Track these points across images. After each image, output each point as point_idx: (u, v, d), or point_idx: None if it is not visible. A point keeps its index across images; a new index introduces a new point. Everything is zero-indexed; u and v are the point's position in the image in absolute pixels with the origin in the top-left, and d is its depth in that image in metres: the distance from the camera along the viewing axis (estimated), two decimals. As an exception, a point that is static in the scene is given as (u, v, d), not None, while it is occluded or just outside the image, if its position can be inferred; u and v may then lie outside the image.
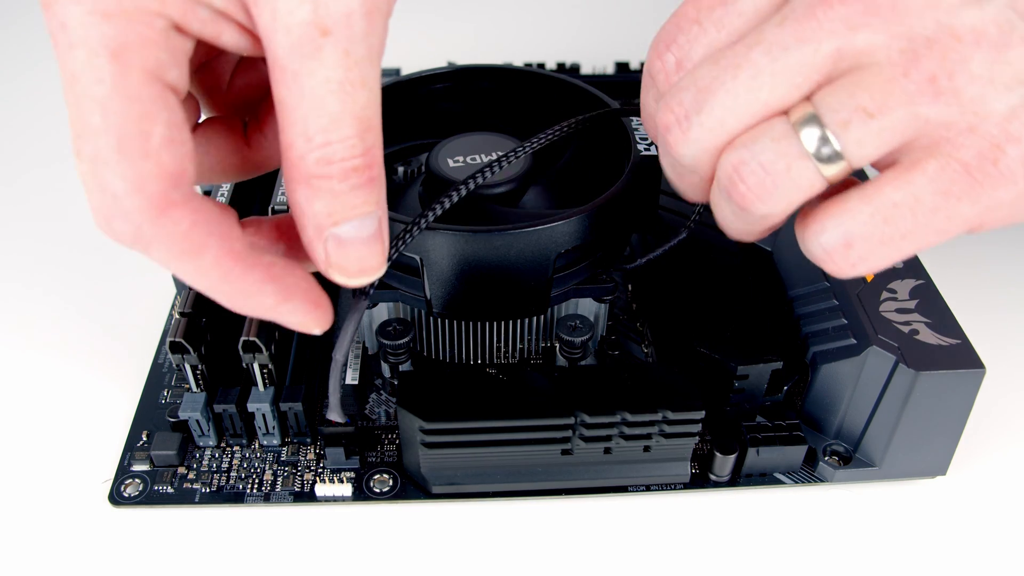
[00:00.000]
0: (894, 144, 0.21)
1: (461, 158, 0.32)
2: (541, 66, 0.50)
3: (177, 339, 0.29)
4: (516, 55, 0.54)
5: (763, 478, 0.31)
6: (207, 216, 0.22)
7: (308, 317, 0.24)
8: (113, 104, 0.20)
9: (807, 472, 0.31)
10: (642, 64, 0.51)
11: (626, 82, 0.50)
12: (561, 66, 0.51)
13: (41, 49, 0.58)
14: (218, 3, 0.21)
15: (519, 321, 0.33)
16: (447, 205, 0.27)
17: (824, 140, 0.21)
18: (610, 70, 0.51)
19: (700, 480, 0.31)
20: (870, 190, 0.22)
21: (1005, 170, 0.21)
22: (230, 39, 0.22)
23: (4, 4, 0.64)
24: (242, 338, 0.29)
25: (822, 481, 0.31)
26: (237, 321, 0.30)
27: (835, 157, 0.21)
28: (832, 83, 0.21)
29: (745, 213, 0.23)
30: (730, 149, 0.22)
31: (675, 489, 0.31)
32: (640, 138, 0.33)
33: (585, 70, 0.52)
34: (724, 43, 0.23)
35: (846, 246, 0.22)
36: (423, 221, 0.27)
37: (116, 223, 0.21)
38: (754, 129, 0.22)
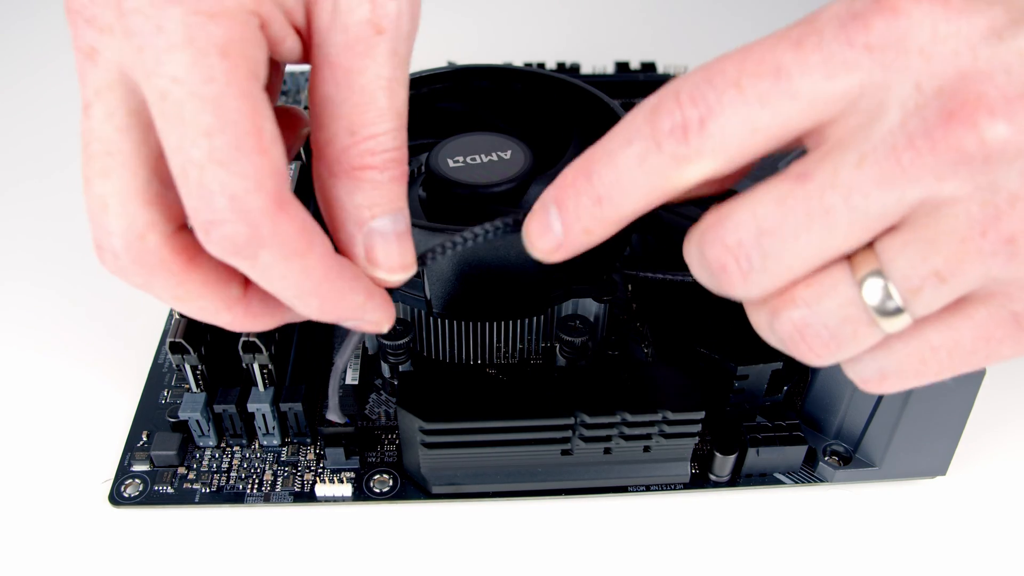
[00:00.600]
0: (964, 294, 0.20)
1: (461, 158, 0.32)
2: (541, 66, 0.50)
3: (177, 339, 0.29)
4: (516, 55, 0.54)
5: (763, 478, 0.31)
6: (307, 213, 0.22)
7: (386, 314, 0.25)
8: (227, 102, 0.20)
9: (807, 472, 0.31)
10: (642, 64, 0.51)
11: (626, 82, 0.50)
12: (561, 66, 0.51)
13: (43, 51, 0.57)
14: (289, 3, 0.22)
15: (519, 321, 0.33)
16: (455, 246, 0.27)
17: (889, 297, 0.20)
18: (610, 70, 0.51)
19: (700, 480, 0.31)
20: (912, 329, 0.21)
21: None
22: (289, 46, 0.23)
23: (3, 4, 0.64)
24: (242, 338, 0.29)
25: (822, 481, 0.31)
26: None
27: (899, 312, 0.20)
28: (902, 234, 0.20)
29: (800, 358, 0.22)
30: (791, 305, 0.21)
31: (675, 489, 0.31)
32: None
33: (585, 70, 0.51)
34: (766, 124, 0.20)
35: (881, 379, 0.22)
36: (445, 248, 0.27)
37: (230, 227, 0.20)
38: (817, 284, 0.21)
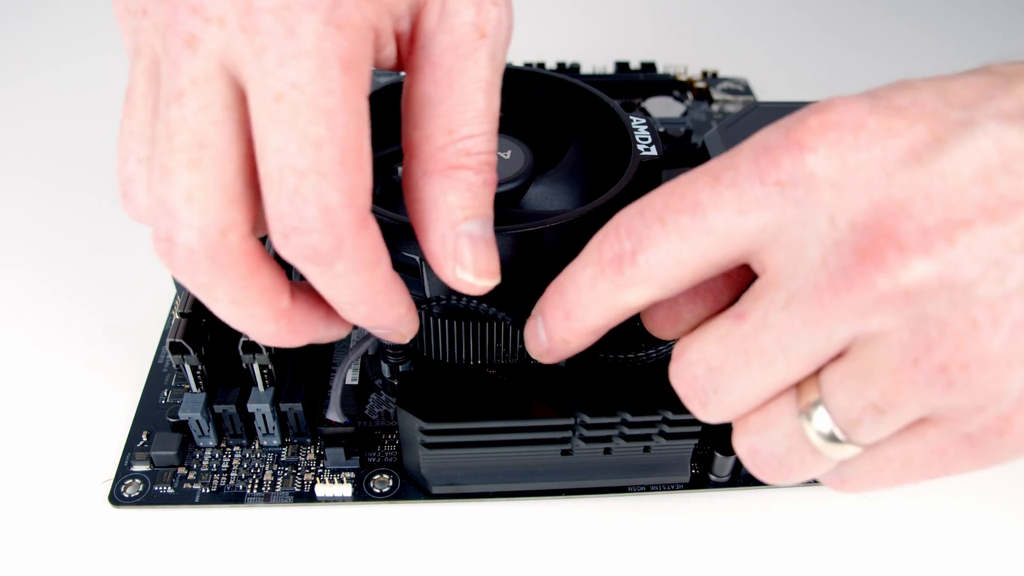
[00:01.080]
0: (908, 423, 0.20)
1: (461, 158, 0.32)
2: (541, 66, 0.50)
3: (177, 340, 0.29)
4: (516, 55, 0.54)
5: (763, 478, 0.31)
6: (379, 229, 0.22)
7: (415, 326, 0.26)
8: (340, 116, 0.20)
9: (807, 472, 0.31)
10: (642, 64, 0.52)
11: (626, 82, 0.50)
12: (561, 65, 0.51)
13: (46, 49, 0.57)
14: (399, 10, 0.22)
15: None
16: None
17: (834, 431, 0.21)
18: (610, 69, 0.52)
19: (700, 481, 0.31)
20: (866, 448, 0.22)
21: (1010, 439, 0.20)
22: (387, 54, 0.23)
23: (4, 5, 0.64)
24: (242, 339, 0.29)
25: (819, 482, 0.31)
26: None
27: (847, 443, 0.21)
28: (841, 365, 0.20)
29: (759, 478, 0.23)
30: (743, 431, 0.22)
31: (675, 490, 0.31)
32: (640, 139, 0.33)
33: (585, 70, 0.52)
34: (687, 256, 0.21)
35: (841, 482, 0.23)
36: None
37: (316, 236, 0.21)
38: (766, 413, 0.22)
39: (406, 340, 0.26)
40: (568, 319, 0.24)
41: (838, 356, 0.20)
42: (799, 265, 0.20)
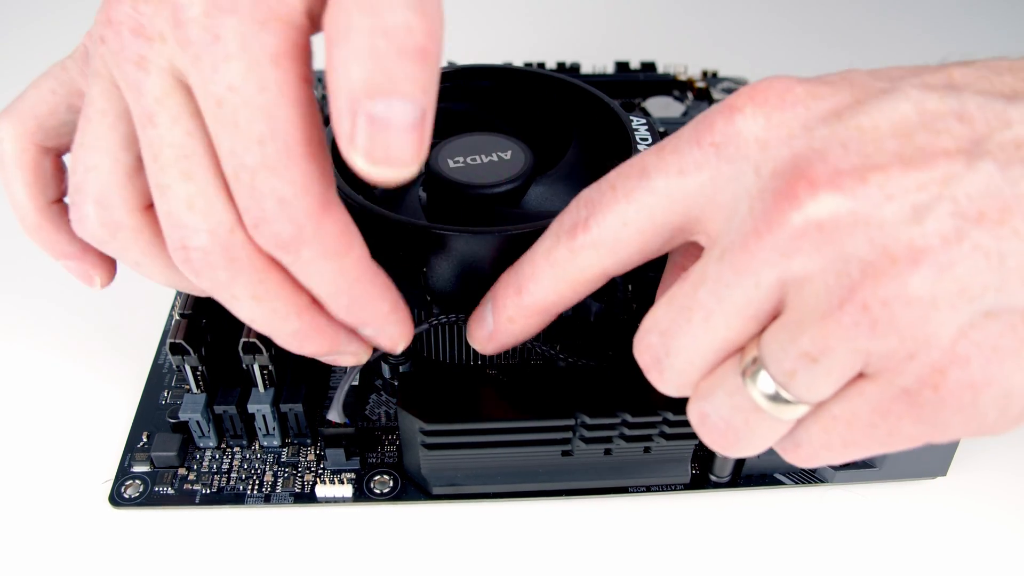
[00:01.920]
0: (848, 377, 0.20)
1: (461, 158, 0.32)
2: (541, 66, 0.50)
3: (177, 340, 0.29)
4: (516, 55, 0.54)
5: (763, 479, 0.31)
6: (349, 217, 0.23)
7: (404, 331, 0.26)
8: (279, 111, 0.21)
9: (807, 473, 0.31)
10: (642, 64, 0.51)
11: (626, 81, 0.50)
12: (561, 65, 0.51)
13: (46, 49, 0.57)
14: None
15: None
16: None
17: (776, 388, 0.21)
18: (610, 69, 0.51)
19: (700, 481, 0.31)
20: (816, 408, 0.22)
21: (947, 395, 0.20)
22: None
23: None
24: (243, 339, 0.29)
25: (822, 482, 0.31)
26: (237, 322, 0.30)
27: (791, 401, 0.21)
28: (777, 320, 0.21)
29: (711, 448, 0.23)
30: (694, 398, 0.23)
31: (675, 490, 0.31)
32: (640, 139, 0.33)
33: (585, 69, 0.51)
34: (633, 217, 0.22)
35: (795, 446, 0.23)
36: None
37: (277, 225, 0.21)
38: (712, 377, 0.22)
39: (397, 349, 0.26)
40: (519, 294, 0.25)
41: (775, 317, 0.21)
42: (731, 220, 0.21)
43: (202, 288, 0.24)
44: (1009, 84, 0.20)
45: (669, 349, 0.22)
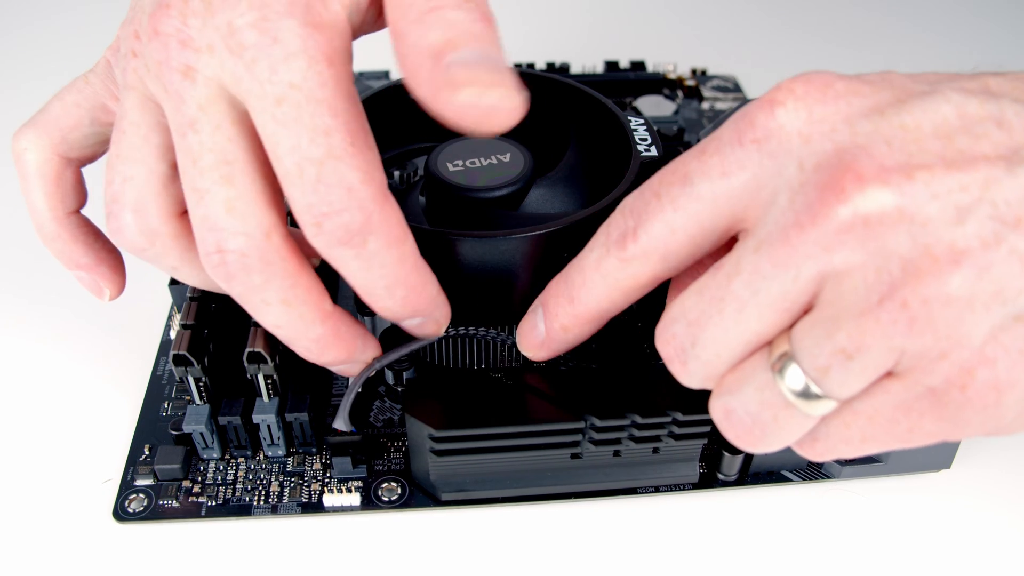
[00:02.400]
0: (880, 373, 0.20)
1: (460, 162, 0.32)
2: (531, 66, 0.50)
3: (181, 352, 0.28)
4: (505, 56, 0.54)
5: (771, 476, 0.31)
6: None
7: (447, 313, 0.26)
8: (339, 103, 0.22)
9: (814, 469, 0.31)
10: (632, 63, 0.52)
11: (616, 81, 0.50)
12: (551, 65, 0.51)
13: (47, 49, 0.57)
14: None
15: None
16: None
17: (807, 383, 0.21)
18: (600, 69, 0.51)
19: (708, 480, 0.31)
20: (841, 406, 0.22)
21: (973, 395, 0.20)
22: (368, 25, 0.25)
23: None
24: (247, 349, 0.28)
25: (829, 477, 0.31)
26: (240, 332, 0.30)
27: (821, 397, 0.21)
28: (811, 315, 0.20)
29: (735, 444, 0.23)
30: (718, 392, 0.23)
31: (684, 490, 0.31)
32: (639, 139, 0.33)
33: (575, 69, 0.52)
34: (681, 224, 0.22)
35: (813, 440, 0.22)
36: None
37: (347, 215, 0.22)
38: (739, 371, 0.22)
39: (441, 331, 0.27)
40: (572, 303, 0.25)
41: (808, 311, 0.21)
42: (770, 212, 0.21)
43: (232, 293, 0.24)
44: None
45: (696, 340, 0.22)
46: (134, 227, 0.25)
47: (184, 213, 0.26)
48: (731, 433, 0.23)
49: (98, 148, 0.30)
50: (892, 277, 0.19)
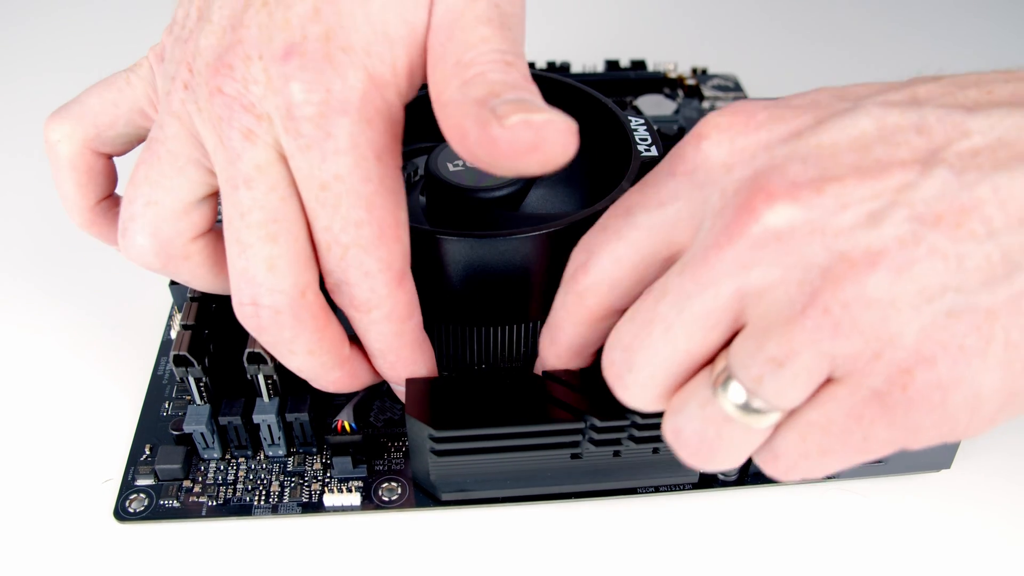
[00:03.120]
0: (817, 381, 0.21)
1: (461, 162, 0.32)
2: (531, 65, 0.50)
3: (181, 352, 0.28)
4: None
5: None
6: (415, 287, 0.26)
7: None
8: (378, 199, 0.24)
9: (814, 469, 0.31)
10: (632, 62, 0.51)
11: (616, 80, 0.50)
12: (551, 65, 0.51)
13: (48, 48, 0.57)
14: (414, 56, 0.24)
15: (522, 325, 0.33)
16: None
17: (747, 397, 0.21)
18: (600, 68, 0.51)
19: (708, 480, 0.31)
20: (792, 416, 0.22)
21: (916, 395, 0.20)
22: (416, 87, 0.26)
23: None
24: (247, 350, 0.28)
25: (829, 477, 0.31)
26: (240, 333, 0.30)
27: (763, 409, 0.21)
28: (744, 330, 0.21)
29: (687, 464, 0.23)
30: (667, 413, 0.23)
31: (684, 490, 0.31)
32: (639, 139, 0.33)
33: (575, 69, 0.52)
34: (624, 253, 0.23)
35: (774, 458, 0.22)
36: None
37: (357, 290, 0.25)
38: (684, 390, 0.22)
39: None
40: (553, 343, 0.26)
41: (738, 329, 0.21)
42: (696, 238, 0.22)
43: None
44: (972, 97, 0.21)
45: (632, 364, 0.23)
46: (149, 251, 0.26)
47: (202, 235, 0.27)
48: (683, 452, 0.23)
49: (130, 146, 0.30)
50: (813, 286, 0.20)
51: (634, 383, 0.23)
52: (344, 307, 0.26)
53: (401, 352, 0.27)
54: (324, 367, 0.26)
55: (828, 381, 0.21)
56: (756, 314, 0.21)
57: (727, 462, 0.23)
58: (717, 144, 0.22)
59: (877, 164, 0.20)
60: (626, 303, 0.24)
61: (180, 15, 0.26)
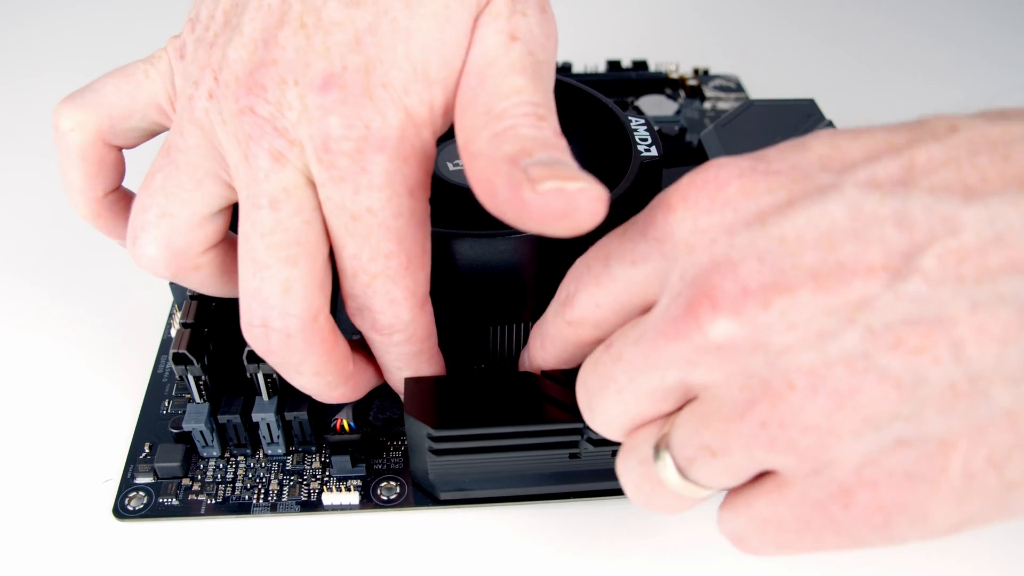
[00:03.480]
0: (750, 473, 0.20)
1: (461, 162, 0.32)
2: (533, 66, 0.50)
3: (181, 351, 0.29)
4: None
5: (769, 477, 0.31)
6: (432, 311, 0.26)
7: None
8: (408, 232, 0.24)
9: (813, 470, 0.31)
10: (634, 63, 0.51)
11: (618, 80, 0.50)
12: (553, 65, 0.51)
13: (48, 48, 0.57)
14: (448, 94, 0.24)
15: (521, 325, 0.33)
16: None
17: (678, 469, 0.21)
18: (602, 68, 0.51)
19: (707, 480, 0.31)
20: (751, 497, 0.21)
21: (857, 516, 0.19)
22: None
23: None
24: (247, 348, 0.28)
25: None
26: (239, 331, 0.30)
27: (695, 483, 0.21)
28: (689, 405, 0.21)
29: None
30: (620, 450, 0.24)
31: (682, 490, 0.31)
32: (639, 139, 0.33)
33: (577, 69, 0.52)
34: (602, 298, 0.23)
35: (738, 540, 0.22)
36: None
37: (379, 316, 0.25)
38: (634, 436, 0.23)
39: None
40: (543, 349, 0.27)
41: (691, 399, 0.21)
42: (656, 308, 0.21)
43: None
44: (980, 169, 0.18)
45: (591, 406, 0.24)
46: (160, 262, 0.26)
47: (210, 248, 0.26)
48: (626, 490, 0.24)
49: (142, 140, 0.29)
50: (752, 394, 0.19)
51: (594, 421, 0.24)
52: (365, 330, 0.26)
53: (419, 369, 0.27)
54: (329, 386, 0.26)
55: (777, 483, 0.20)
56: (702, 396, 0.20)
57: (664, 511, 0.23)
58: (681, 220, 0.21)
59: (839, 270, 0.18)
60: (611, 334, 0.24)
61: (204, 14, 0.25)
